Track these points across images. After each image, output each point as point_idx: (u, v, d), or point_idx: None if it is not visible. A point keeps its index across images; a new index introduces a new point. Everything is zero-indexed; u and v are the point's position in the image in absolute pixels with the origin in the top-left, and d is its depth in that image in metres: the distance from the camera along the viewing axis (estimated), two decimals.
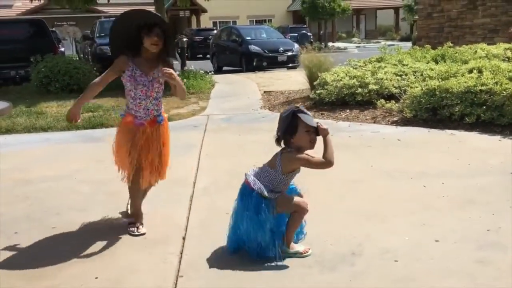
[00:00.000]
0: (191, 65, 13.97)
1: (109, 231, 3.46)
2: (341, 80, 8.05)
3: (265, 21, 40.26)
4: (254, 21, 40.90)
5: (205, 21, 39.24)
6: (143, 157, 3.31)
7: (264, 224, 2.84)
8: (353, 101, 7.81)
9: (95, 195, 4.26)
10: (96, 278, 2.82)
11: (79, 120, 3.37)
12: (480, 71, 6.87)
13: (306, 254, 2.97)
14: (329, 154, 2.80)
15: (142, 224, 3.46)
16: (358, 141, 5.90)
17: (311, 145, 2.84)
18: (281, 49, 17.06)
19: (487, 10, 13.55)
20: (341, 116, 7.43)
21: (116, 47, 3.42)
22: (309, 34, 32.21)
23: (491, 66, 6.95)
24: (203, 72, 12.88)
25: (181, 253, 3.10)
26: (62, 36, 26.72)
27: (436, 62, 8.84)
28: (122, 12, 3.49)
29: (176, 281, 2.77)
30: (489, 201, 3.76)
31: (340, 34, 41.94)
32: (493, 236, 3.15)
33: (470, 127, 6.13)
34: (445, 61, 8.69)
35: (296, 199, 2.94)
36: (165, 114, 3.51)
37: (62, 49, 18.64)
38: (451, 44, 9.78)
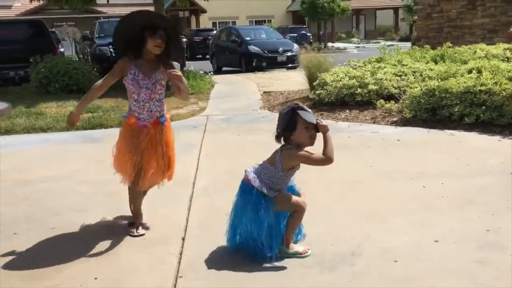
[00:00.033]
0: (191, 65, 13.98)
1: (108, 232, 3.46)
2: (340, 80, 8.05)
3: (264, 21, 40.26)
4: (254, 21, 40.92)
5: (205, 22, 39.26)
6: (145, 159, 3.30)
7: (263, 222, 2.84)
8: (352, 102, 7.81)
9: (94, 195, 4.26)
10: (96, 278, 2.82)
11: (77, 124, 3.35)
12: (479, 71, 6.87)
13: (306, 254, 2.97)
14: (329, 150, 2.80)
15: (141, 224, 3.47)
16: (358, 141, 5.90)
17: (311, 141, 2.84)
18: (280, 49, 17.06)
19: (486, 10, 13.55)
20: (340, 117, 7.44)
21: (120, 46, 3.40)
22: (308, 34, 32.21)
23: (491, 66, 6.96)
24: (202, 72, 12.90)
25: (181, 254, 3.10)
26: (62, 36, 26.69)
27: (436, 62, 8.84)
28: (129, 12, 3.47)
29: (176, 281, 2.77)
30: (488, 201, 3.76)
31: (339, 34, 41.95)
32: (492, 236, 3.15)
33: (469, 127, 6.14)
34: (444, 61, 8.69)
35: (296, 198, 2.94)
36: (167, 114, 3.51)
37: (62, 50, 18.62)
38: (450, 44, 9.78)
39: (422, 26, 15.95)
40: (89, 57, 15.67)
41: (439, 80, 6.96)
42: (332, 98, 7.90)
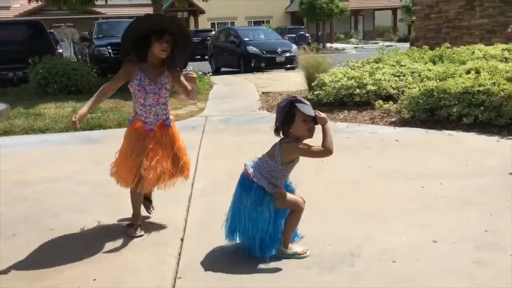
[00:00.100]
0: (189, 66, 13.93)
1: (107, 233, 3.46)
2: (339, 81, 8.06)
3: (263, 22, 40.29)
4: (252, 22, 40.93)
5: (203, 22, 39.26)
6: (148, 162, 3.28)
7: (263, 218, 2.84)
8: (351, 102, 7.82)
9: (93, 196, 4.26)
10: (94, 279, 2.81)
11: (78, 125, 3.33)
12: (477, 72, 6.89)
13: (305, 255, 2.97)
14: (328, 142, 2.79)
15: (140, 226, 3.46)
16: (356, 142, 5.90)
17: (310, 134, 2.83)
18: (279, 50, 17.06)
19: (484, 11, 13.59)
20: (339, 117, 7.44)
21: (127, 46, 3.35)
22: (307, 35, 32.25)
23: (489, 67, 6.97)
24: (201, 73, 12.88)
25: (179, 254, 3.09)
26: (60, 37, 26.71)
27: (434, 63, 8.86)
28: (138, 16, 3.47)
29: (174, 282, 2.77)
30: (487, 201, 3.77)
31: (338, 35, 41.99)
32: (491, 237, 3.15)
33: (468, 128, 6.15)
34: (442, 62, 8.71)
35: (294, 197, 2.93)
36: (171, 116, 3.52)
37: (60, 51, 18.62)
38: (448, 45, 9.80)
39: (420, 26, 15.99)
40: (87, 58, 15.65)
41: (438, 80, 6.97)
42: (330, 98, 7.91)
